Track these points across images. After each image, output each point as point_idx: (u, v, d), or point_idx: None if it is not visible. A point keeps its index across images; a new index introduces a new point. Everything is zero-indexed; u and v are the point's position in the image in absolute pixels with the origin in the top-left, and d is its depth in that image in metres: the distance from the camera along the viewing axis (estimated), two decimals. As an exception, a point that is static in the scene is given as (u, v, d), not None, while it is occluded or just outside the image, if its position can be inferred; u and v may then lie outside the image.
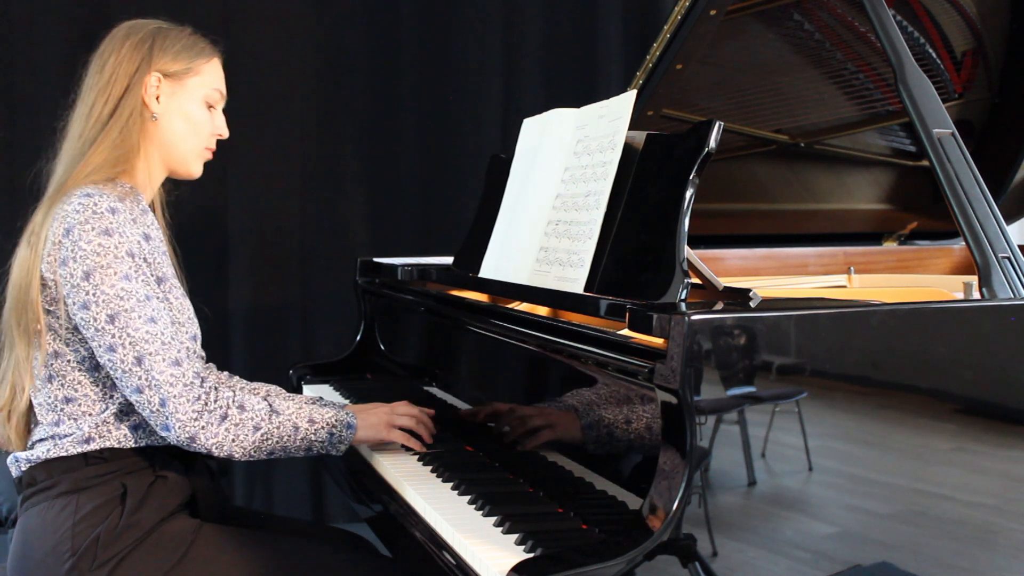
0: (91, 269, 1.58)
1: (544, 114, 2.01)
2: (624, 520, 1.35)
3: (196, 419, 1.58)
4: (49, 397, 1.68)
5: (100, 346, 1.59)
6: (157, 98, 1.74)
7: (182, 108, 1.77)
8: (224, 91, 1.84)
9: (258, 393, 2.04)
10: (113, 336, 1.58)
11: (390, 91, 3.55)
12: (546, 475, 1.62)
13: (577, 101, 1.97)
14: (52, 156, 1.78)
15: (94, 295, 1.58)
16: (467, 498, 1.61)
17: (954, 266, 2.80)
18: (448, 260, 2.36)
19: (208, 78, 1.80)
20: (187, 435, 1.58)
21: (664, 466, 1.28)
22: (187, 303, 1.75)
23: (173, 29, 1.79)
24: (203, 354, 1.83)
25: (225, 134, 1.85)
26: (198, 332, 1.77)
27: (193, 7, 3.33)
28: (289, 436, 1.68)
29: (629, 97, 1.75)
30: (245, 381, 2.06)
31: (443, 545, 1.49)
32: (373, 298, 2.57)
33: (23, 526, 1.67)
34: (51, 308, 1.64)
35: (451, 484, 1.68)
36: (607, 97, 1.81)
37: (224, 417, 1.60)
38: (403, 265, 2.44)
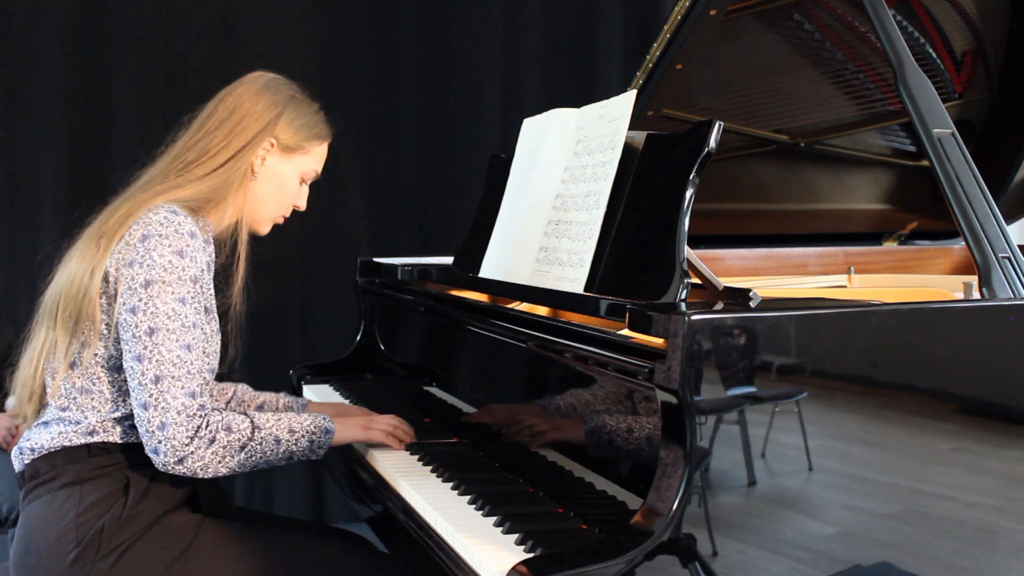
0: (153, 280, 1.61)
1: (544, 114, 2.01)
2: (624, 520, 1.35)
3: (187, 444, 1.60)
4: (67, 383, 1.70)
5: (130, 352, 1.62)
6: (263, 160, 1.80)
7: (279, 176, 1.83)
8: (320, 172, 1.91)
9: (227, 392, 2.08)
10: (145, 347, 1.60)
11: (390, 91, 3.55)
12: (546, 475, 1.62)
13: (577, 101, 1.97)
14: (146, 162, 1.81)
15: (145, 304, 1.61)
16: (467, 498, 1.61)
17: (954, 266, 2.79)
18: (448, 260, 2.36)
19: (313, 159, 1.87)
20: (175, 459, 1.59)
21: (664, 466, 1.28)
22: (217, 339, 1.79)
23: (304, 103, 1.85)
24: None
25: (303, 207, 1.91)
26: (216, 367, 1.81)
27: (194, 7, 3.34)
28: (271, 450, 1.70)
29: (629, 97, 1.75)
30: (215, 383, 2.07)
31: (443, 545, 1.49)
32: (373, 298, 2.57)
33: (26, 518, 1.68)
34: (101, 302, 1.66)
35: (451, 484, 1.68)
36: (607, 97, 1.81)
37: (212, 441, 1.62)
38: (403, 265, 2.44)
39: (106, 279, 1.65)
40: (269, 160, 1.81)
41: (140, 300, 1.61)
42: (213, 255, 1.80)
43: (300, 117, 1.83)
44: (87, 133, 3.29)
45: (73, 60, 3.25)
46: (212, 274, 1.78)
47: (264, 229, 1.89)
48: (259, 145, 1.78)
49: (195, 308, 1.65)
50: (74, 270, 1.69)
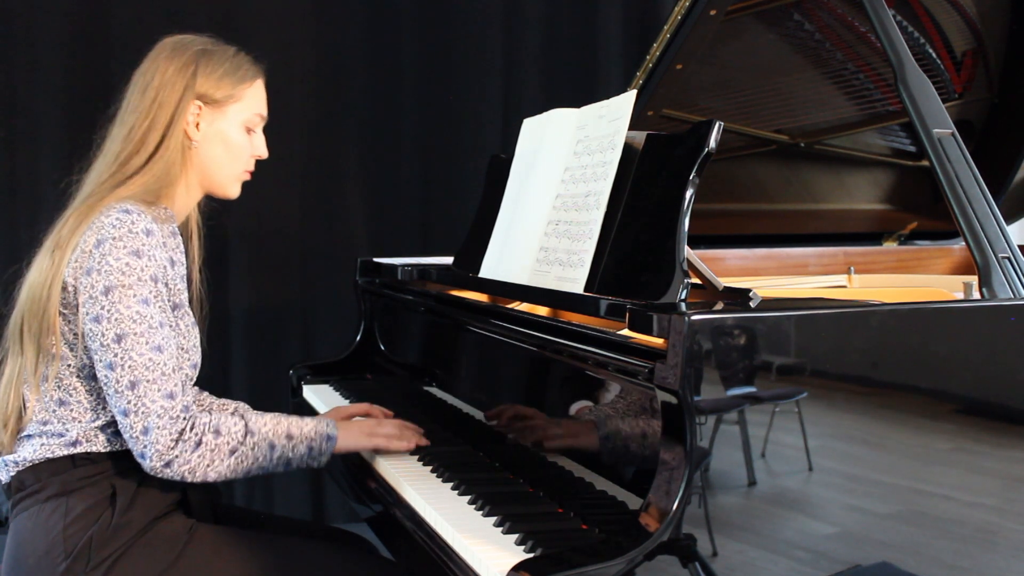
0: (112, 286, 1.57)
1: (544, 114, 2.01)
2: (624, 520, 1.35)
3: (172, 448, 1.56)
4: (44, 397, 1.66)
5: (101, 361, 1.58)
6: (197, 125, 1.73)
7: (221, 134, 1.75)
8: (264, 113, 1.81)
9: (227, 409, 2.00)
10: (116, 355, 1.57)
11: (390, 91, 3.56)
12: (546, 475, 1.62)
13: (577, 101, 1.97)
14: (84, 168, 1.77)
15: (108, 311, 1.57)
16: (467, 498, 1.61)
17: (954, 266, 2.80)
18: (448, 260, 2.36)
19: (249, 103, 1.77)
20: (162, 462, 1.56)
21: (664, 466, 1.28)
22: (195, 332, 1.75)
23: (217, 50, 1.75)
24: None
25: (264, 155, 1.82)
26: (199, 361, 1.77)
27: (194, 7, 3.34)
28: (265, 456, 1.66)
29: (629, 97, 1.75)
30: (214, 398, 2.03)
31: (443, 545, 1.49)
32: (373, 298, 2.57)
33: (15, 531, 1.66)
34: (65, 312, 1.63)
35: (451, 484, 1.68)
36: (607, 97, 1.81)
37: (199, 444, 1.58)
38: (403, 265, 2.44)
39: (65, 289, 1.62)
40: (203, 123, 1.72)
41: (103, 308, 1.57)
42: (181, 246, 1.74)
43: (218, 67, 1.73)
44: (87, 133, 3.27)
45: (73, 60, 3.25)
46: (181, 267, 1.72)
47: (232, 192, 1.80)
48: (185, 112, 1.70)
49: (160, 307, 1.61)
50: (32, 284, 1.66)
